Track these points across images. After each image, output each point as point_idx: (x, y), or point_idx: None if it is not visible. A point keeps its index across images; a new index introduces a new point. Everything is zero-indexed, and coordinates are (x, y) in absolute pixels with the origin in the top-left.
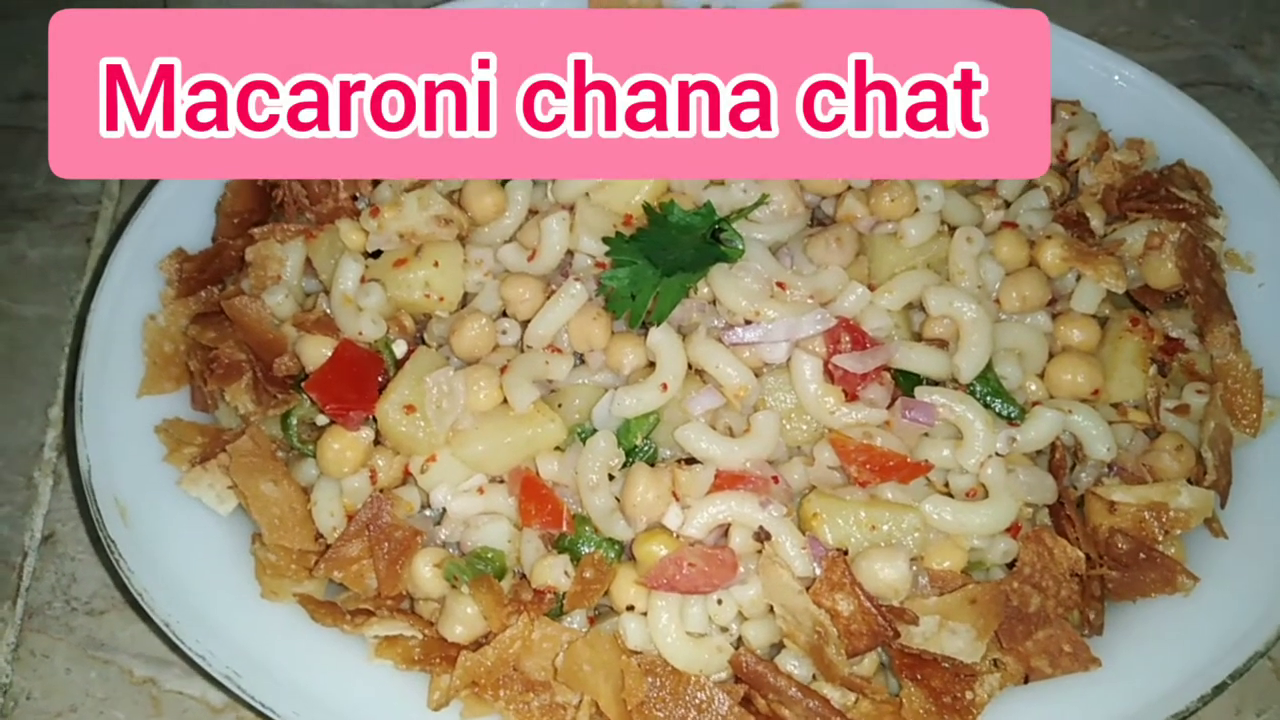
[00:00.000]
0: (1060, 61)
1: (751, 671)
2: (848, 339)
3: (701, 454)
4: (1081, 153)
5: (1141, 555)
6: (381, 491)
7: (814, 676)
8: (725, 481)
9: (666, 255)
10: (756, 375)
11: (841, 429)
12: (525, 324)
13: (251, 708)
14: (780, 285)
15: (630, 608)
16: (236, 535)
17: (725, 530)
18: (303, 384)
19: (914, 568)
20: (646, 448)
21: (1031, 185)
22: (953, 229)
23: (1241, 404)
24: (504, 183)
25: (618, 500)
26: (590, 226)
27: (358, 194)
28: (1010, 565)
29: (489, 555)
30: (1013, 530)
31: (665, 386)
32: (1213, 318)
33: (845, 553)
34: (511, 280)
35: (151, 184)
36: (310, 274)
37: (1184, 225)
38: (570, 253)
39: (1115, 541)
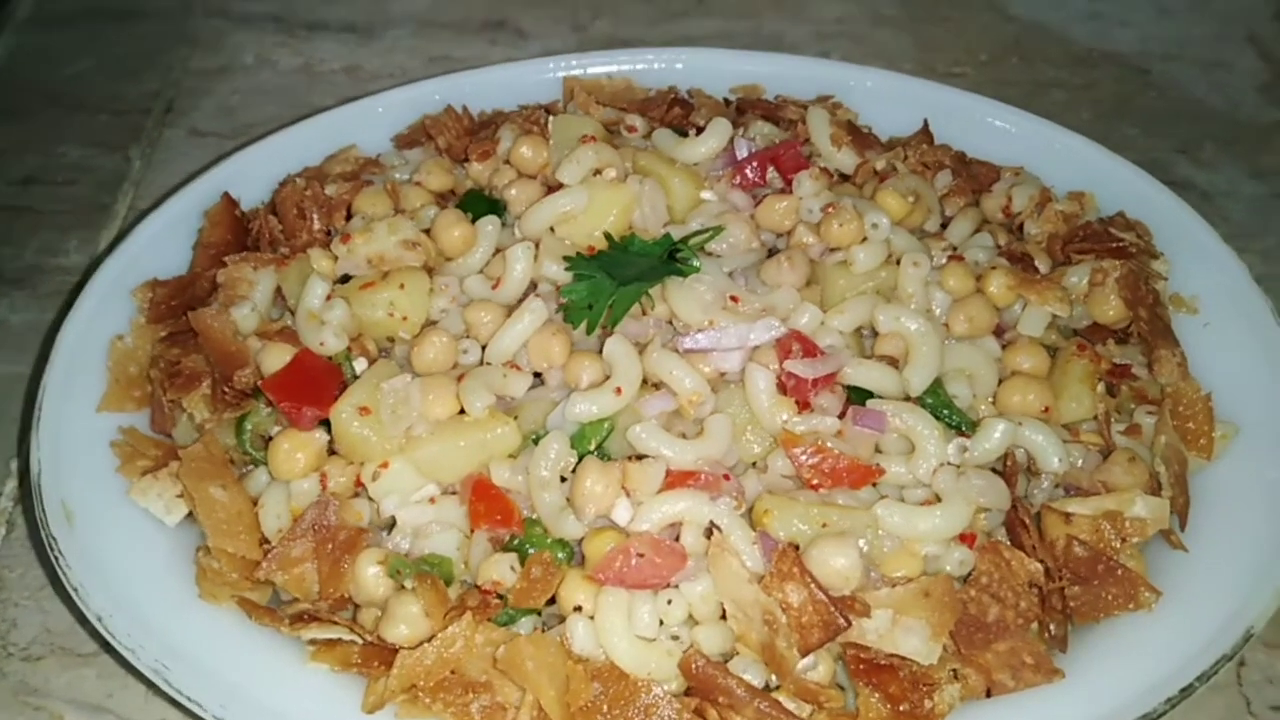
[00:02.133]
0: (999, 134)
1: (701, 673)
2: (799, 349)
3: (652, 452)
4: (1025, 206)
5: (1100, 567)
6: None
7: (767, 686)
8: (676, 480)
9: (624, 271)
10: (712, 389)
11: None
12: (486, 348)
13: (180, 706)
14: (733, 299)
15: (578, 608)
16: (181, 547)
17: (677, 535)
18: (259, 383)
19: (865, 561)
20: (600, 455)
21: (978, 230)
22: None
23: (1193, 429)
24: (473, 218)
25: (568, 502)
26: (554, 255)
27: (331, 228)
28: (968, 579)
29: (436, 561)
30: (968, 540)
31: (619, 391)
32: (1158, 345)
33: (797, 548)
34: (475, 305)
35: (138, 219)
36: (280, 304)
37: (1125, 262)
38: (534, 284)
39: (1073, 550)
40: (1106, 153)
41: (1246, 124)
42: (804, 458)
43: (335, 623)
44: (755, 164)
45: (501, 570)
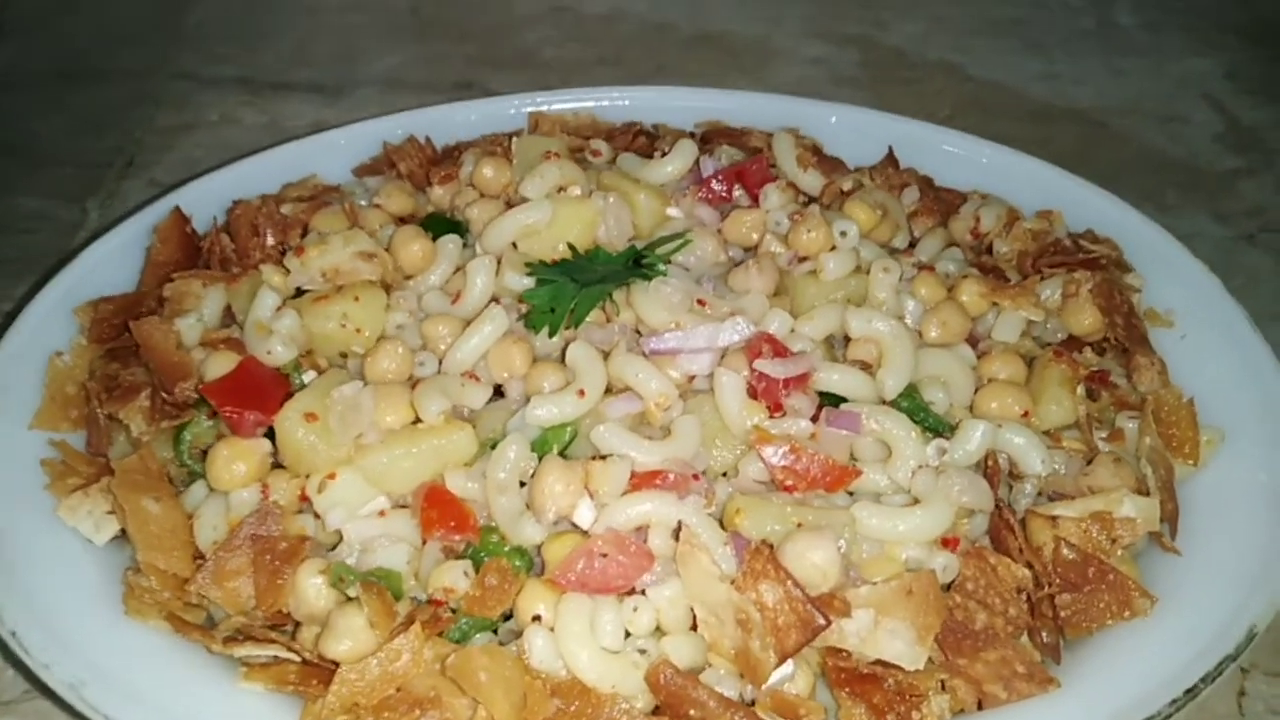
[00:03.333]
0: (963, 162)
1: (670, 684)
2: (769, 350)
3: (616, 451)
4: (993, 226)
5: (1091, 571)
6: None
7: (741, 699)
8: (641, 481)
9: (588, 276)
10: (680, 397)
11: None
12: (443, 360)
13: None
14: (701, 302)
15: (536, 618)
16: (110, 568)
17: (644, 539)
18: (200, 387)
19: (844, 559)
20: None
21: (950, 244)
22: None
23: (1178, 435)
24: (434, 236)
25: (527, 506)
26: (516, 270)
27: (285, 245)
28: (952, 587)
29: (384, 574)
30: (951, 545)
31: (583, 393)
32: (1136, 352)
33: (771, 546)
34: (434, 319)
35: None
36: (229, 323)
37: (1098, 272)
38: (495, 300)
39: (1061, 554)
40: (1069, 176)
41: (1206, 171)
42: (777, 458)
43: (272, 640)
44: (721, 179)
45: (454, 576)
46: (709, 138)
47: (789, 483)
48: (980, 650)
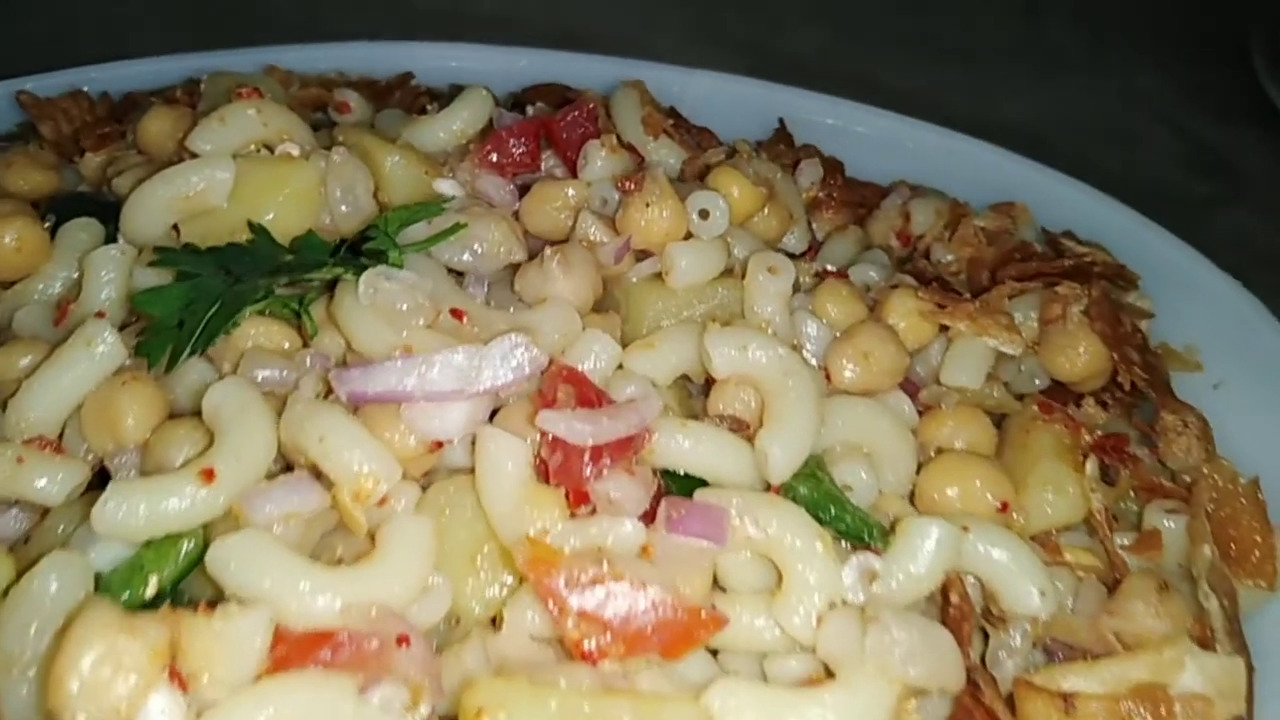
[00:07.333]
0: (880, 147)
1: None
2: (570, 394)
3: (249, 592)
4: (929, 225)
5: None
6: None
7: None
8: (295, 651)
9: (260, 266)
10: (421, 485)
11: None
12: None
13: None
14: (457, 314)
15: None
16: None
17: None
18: None
19: None
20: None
21: (868, 248)
22: None
23: (1237, 539)
24: (53, 227)
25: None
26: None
27: None
28: None
29: None
30: None
31: (210, 475)
32: (1163, 407)
33: None
34: (12, 346)
35: None
36: None
37: (1091, 284)
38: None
39: None
40: (1035, 165)
41: (1174, 199)
42: (569, 594)
43: None
44: (521, 136)
45: None
46: (523, 100)
47: (590, 646)
48: None
